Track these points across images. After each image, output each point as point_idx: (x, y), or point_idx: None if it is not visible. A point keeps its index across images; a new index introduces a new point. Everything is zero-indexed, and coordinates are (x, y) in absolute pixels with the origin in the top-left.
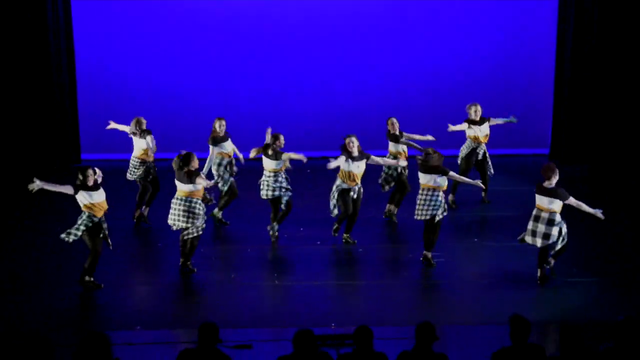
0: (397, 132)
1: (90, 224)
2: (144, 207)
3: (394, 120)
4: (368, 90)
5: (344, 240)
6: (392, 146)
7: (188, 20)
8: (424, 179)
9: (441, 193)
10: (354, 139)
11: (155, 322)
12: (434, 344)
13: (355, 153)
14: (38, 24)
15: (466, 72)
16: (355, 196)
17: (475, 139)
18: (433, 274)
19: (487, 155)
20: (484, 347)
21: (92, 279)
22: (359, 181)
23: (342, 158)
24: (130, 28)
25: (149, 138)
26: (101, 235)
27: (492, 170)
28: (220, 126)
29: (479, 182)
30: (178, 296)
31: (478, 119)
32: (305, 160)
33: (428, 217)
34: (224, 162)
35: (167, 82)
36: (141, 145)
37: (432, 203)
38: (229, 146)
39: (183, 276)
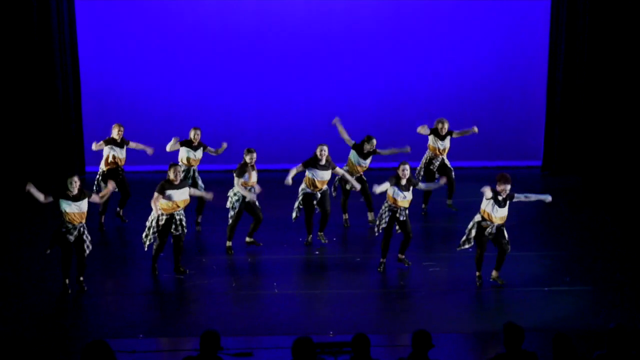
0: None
1: (64, 230)
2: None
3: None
4: (363, 102)
5: (318, 238)
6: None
7: (192, 34)
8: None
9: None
10: (325, 147)
11: (157, 330)
12: (430, 351)
13: (323, 162)
14: (43, 39)
15: (460, 85)
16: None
17: (436, 151)
18: (429, 283)
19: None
20: (478, 355)
21: (67, 280)
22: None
23: (387, 184)
24: (134, 41)
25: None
26: (72, 239)
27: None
28: (195, 135)
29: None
30: (180, 305)
31: (444, 133)
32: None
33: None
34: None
35: (171, 95)
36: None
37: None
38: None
39: (185, 285)
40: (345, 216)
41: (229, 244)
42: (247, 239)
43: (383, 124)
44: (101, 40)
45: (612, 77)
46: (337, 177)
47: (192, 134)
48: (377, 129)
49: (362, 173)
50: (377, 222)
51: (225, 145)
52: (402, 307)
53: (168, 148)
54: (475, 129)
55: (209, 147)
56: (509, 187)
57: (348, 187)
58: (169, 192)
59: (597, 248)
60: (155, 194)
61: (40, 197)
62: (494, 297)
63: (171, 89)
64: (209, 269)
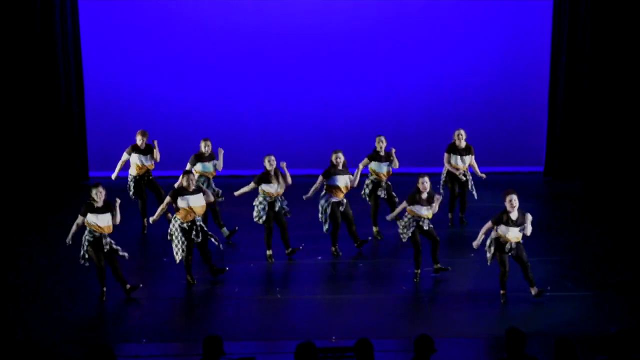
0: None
1: (92, 239)
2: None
3: (383, 138)
4: (366, 108)
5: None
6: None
7: (197, 37)
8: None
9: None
10: (340, 154)
11: (161, 335)
12: (432, 356)
13: (341, 167)
14: (47, 44)
15: (462, 91)
16: (342, 209)
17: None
18: (431, 288)
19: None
20: (481, 359)
21: (104, 289)
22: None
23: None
24: (138, 47)
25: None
26: (105, 250)
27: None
28: (205, 147)
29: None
30: (183, 310)
31: (463, 146)
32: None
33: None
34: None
35: (174, 100)
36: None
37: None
38: (211, 167)
39: (188, 291)
40: (376, 229)
41: (268, 252)
42: (287, 251)
43: (384, 129)
44: (105, 43)
45: (614, 82)
46: (363, 190)
47: (202, 145)
48: (378, 132)
49: (386, 179)
50: (403, 232)
51: (221, 151)
52: (404, 312)
53: (236, 194)
54: (484, 176)
55: (217, 162)
56: (515, 196)
57: (380, 194)
58: (183, 197)
59: (598, 253)
60: (167, 198)
61: (74, 228)
62: (496, 303)
63: (175, 92)
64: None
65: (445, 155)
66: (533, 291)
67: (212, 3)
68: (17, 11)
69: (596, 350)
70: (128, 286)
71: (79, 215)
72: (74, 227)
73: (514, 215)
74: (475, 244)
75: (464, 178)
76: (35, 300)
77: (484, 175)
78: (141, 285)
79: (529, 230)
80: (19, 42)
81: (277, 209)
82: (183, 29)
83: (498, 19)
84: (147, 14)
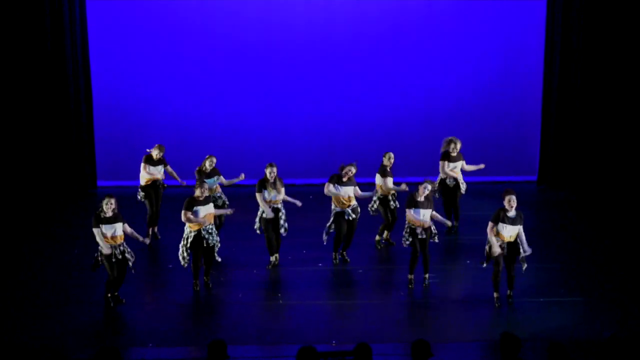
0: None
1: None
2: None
3: (391, 155)
4: (366, 120)
5: (340, 257)
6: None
7: (203, 51)
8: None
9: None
10: (350, 168)
11: (167, 339)
12: None
13: (345, 180)
14: (56, 54)
15: (458, 102)
16: (350, 218)
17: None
18: (428, 294)
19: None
20: None
21: (109, 295)
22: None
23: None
24: (147, 57)
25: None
26: (113, 260)
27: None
28: (210, 163)
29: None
30: (188, 315)
31: (455, 154)
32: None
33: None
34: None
35: (182, 110)
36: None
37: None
38: (213, 183)
39: (193, 296)
40: (378, 237)
41: (271, 258)
42: (273, 258)
43: (381, 139)
44: (114, 53)
45: (607, 92)
46: (371, 205)
47: (207, 162)
48: (373, 142)
49: (394, 193)
50: (404, 237)
51: (242, 176)
52: (402, 317)
53: (226, 183)
54: (482, 166)
55: (222, 177)
56: (513, 197)
57: (392, 205)
58: (195, 208)
59: (591, 260)
60: (183, 212)
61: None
62: (492, 308)
63: (183, 102)
64: (217, 281)
65: (441, 163)
66: (509, 292)
67: (218, 17)
68: (26, 18)
69: (589, 355)
70: (117, 294)
71: (93, 229)
72: (99, 240)
73: (511, 214)
74: (495, 251)
75: (453, 181)
76: (44, 305)
77: (482, 166)
78: (124, 301)
79: (526, 247)
80: (29, 50)
81: (279, 215)
82: (192, 40)
83: (492, 31)
84: (156, 24)
